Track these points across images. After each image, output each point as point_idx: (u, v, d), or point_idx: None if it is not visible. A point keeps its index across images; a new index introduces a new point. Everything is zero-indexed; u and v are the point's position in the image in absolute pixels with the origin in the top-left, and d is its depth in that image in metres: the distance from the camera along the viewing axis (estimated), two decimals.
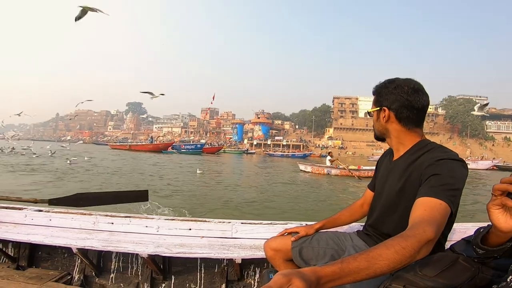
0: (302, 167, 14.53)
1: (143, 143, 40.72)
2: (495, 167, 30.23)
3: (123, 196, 1.89)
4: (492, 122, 65.30)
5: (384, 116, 0.93)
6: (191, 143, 45.31)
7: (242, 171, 15.52)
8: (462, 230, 1.44)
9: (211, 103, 51.73)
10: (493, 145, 60.74)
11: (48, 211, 1.79)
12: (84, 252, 1.56)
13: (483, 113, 6.09)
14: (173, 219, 1.68)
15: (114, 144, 46.04)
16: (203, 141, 65.23)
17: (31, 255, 1.74)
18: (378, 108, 0.95)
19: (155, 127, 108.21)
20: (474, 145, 61.04)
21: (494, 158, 37.35)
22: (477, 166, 30.04)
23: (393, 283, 0.68)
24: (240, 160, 28.75)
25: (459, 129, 64.32)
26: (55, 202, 1.58)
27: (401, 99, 0.89)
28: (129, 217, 1.71)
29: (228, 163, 21.57)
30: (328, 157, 13.54)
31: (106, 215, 1.73)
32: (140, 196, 1.82)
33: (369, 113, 1.00)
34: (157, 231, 1.62)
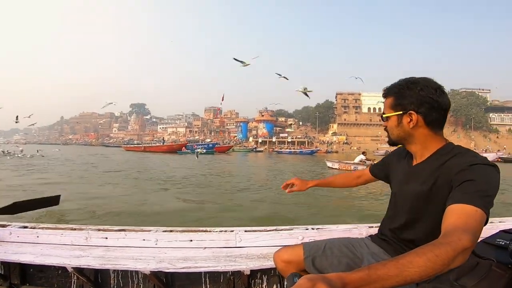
0: (329, 164, 15.61)
1: (157, 145, 41.63)
2: (499, 159, 30.71)
3: (34, 203, 2.06)
4: (496, 114, 65.30)
5: (411, 121, 0.86)
6: (203, 143, 46.29)
7: (273, 174, 13.74)
8: None
9: (221, 103, 52.56)
10: (497, 137, 60.92)
11: (34, 227, 1.70)
12: (80, 270, 1.49)
13: None
14: (171, 231, 1.63)
15: (128, 145, 46.99)
16: (208, 140, 66.26)
17: (22, 273, 1.65)
18: (401, 112, 0.88)
19: (160, 128, 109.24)
20: (479, 138, 61.31)
21: (498, 150, 37.91)
22: None
23: None
24: (263, 159, 28.85)
25: (463, 122, 64.51)
26: None
27: (431, 101, 0.83)
28: (123, 230, 1.64)
29: (249, 162, 21.82)
30: (362, 156, 14.18)
31: (99, 230, 1.66)
32: (51, 201, 1.93)
33: (383, 117, 0.93)
34: (156, 244, 1.56)
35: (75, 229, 1.67)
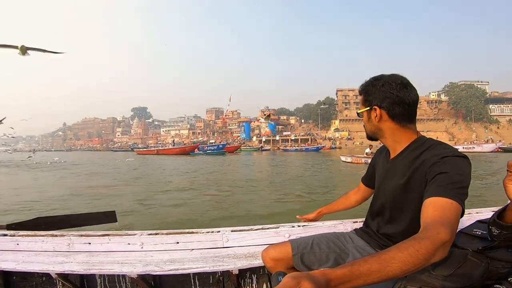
0: (343, 158, 16.79)
1: (170, 147, 42.30)
2: (499, 149, 31.79)
3: (89, 218, 1.75)
4: (496, 105, 65.79)
5: (376, 115, 0.91)
6: (213, 144, 47.58)
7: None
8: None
9: (228, 104, 54.12)
10: (498, 128, 61.51)
11: (14, 235, 1.65)
12: (64, 276, 1.47)
13: None
14: (157, 234, 1.60)
15: (140, 149, 47.93)
16: (212, 141, 67.40)
17: (6, 281, 1.60)
18: (368, 108, 0.93)
19: (163, 131, 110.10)
20: (480, 129, 61.85)
21: (500, 141, 38.85)
22: (482, 149, 31.65)
23: (408, 285, 0.68)
24: (273, 157, 28.94)
25: (464, 114, 65.03)
26: (13, 227, 1.52)
27: (391, 96, 0.87)
28: (107, 235, 1.60)
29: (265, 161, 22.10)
30: (368, 150, 15.14)
31: (81, 235, 1.61)
32: (107, 217, 1.69)
33: (358, 114, 0.99)
34: (142, 247, 1.54)
35: (56, 236, 1.63)
